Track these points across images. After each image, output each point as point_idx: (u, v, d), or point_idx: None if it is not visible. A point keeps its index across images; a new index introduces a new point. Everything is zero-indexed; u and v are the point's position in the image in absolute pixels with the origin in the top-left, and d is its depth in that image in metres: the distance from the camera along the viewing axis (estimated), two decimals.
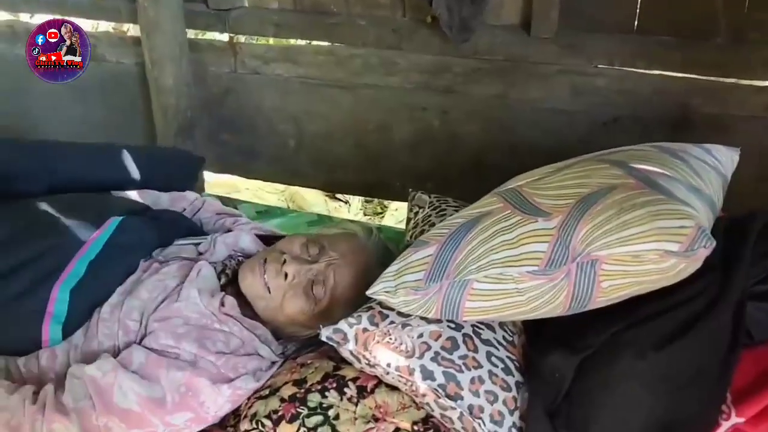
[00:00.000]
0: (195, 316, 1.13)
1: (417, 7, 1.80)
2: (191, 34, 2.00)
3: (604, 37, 1.71)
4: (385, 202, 2.61)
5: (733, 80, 1.66)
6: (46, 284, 1.14)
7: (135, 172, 1.42)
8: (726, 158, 1.21)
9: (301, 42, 1.99)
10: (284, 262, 1.16)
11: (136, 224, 1.29)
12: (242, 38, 2.03)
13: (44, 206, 1.24)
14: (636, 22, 1.70)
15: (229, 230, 1.44)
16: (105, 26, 2.48)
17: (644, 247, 0.87)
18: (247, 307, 1.20)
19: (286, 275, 1.15)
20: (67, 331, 1.13)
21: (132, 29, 2.34)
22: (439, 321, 1.05)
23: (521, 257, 0.96)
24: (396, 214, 2.59)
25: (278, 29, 1.94)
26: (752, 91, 1.65)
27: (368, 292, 1.06)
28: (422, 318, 1.05)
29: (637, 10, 1.69)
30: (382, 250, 1.29)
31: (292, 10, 1.95)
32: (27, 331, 1.12)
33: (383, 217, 2.63)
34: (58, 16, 2.36)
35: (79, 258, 1.18)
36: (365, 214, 2.66)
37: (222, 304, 1.16)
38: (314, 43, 1.99)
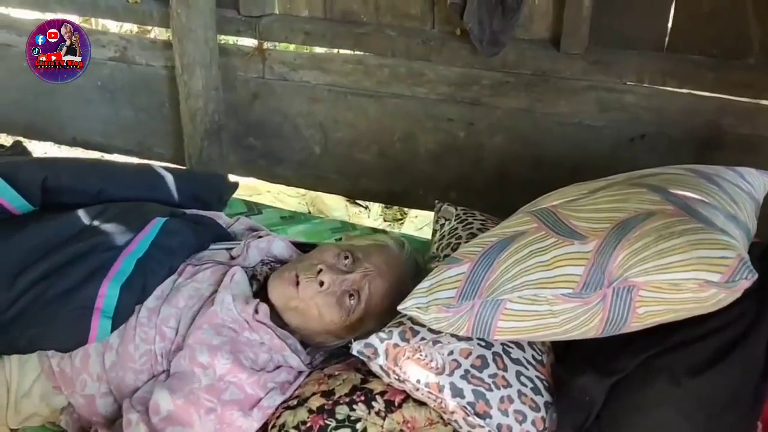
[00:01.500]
0: (228, 321, 1.15)
1: (446, 19, 1.81)
2: (221, 39, 2.02)
3: (635, 54, 1.71)
4: (405, 209, 2.61)
5: (764, 101, 1.65)
6: (95, 281, 1.15)
7: (174, 195, 1.46)
8: (759, 182, 1.21)
9: (330, 50, 2.00)
10: (320, 271, 1.17)
11: (179, 226, 1.31)
12: (271, 44, 2.04)
13: (88, 211, 1.27)
14: (667, 40, 1.70)
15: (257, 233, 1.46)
16: (130, 27, 2.50)
17: (684, 276, 0.87)
18: (277, 316, 1.20)
19: (321, 284, 1.16)
20: (114, 328, 1.15)
21: (160, 32, 2.36)
22: (469, 339, 1.06)
23: (556, 279, 0.96)
24: (416, 221, 2.59)
25: (307, 37, 1.95)
26: None
27: (400, 308, 1.06)
28: (452, 335, 1.05)
29: (669, 28, 1.69)
30: (413, 263, 1.30)
31: (322, 18, 1.96)
32: (75, 326, 1.13)
33: (403, 223, 2.64)
34: (90, 18, 2.41)
35: (126, 255, 1.20)
36: (385, 220, 2.66)
37: (256, 311, 1.18)
38: (343, 51, 2.00)
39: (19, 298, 1.12)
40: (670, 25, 1.68)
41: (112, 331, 1.14)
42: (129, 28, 2.43)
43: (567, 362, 1.09)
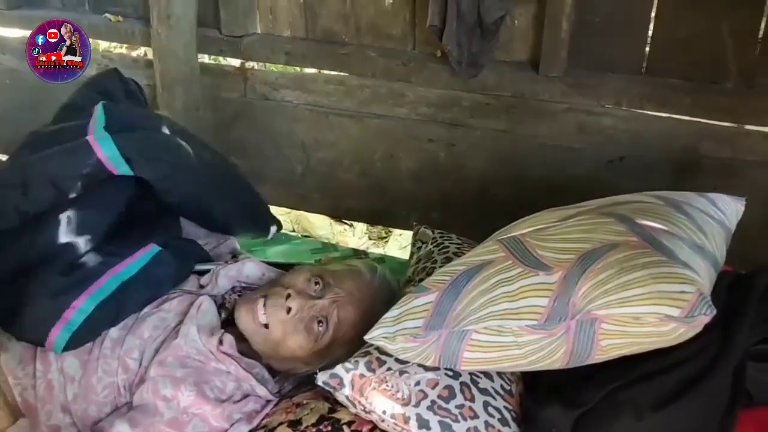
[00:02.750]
0: (194, 353, 1.14)
1: (427, 40, 1.82)
2: (203, 58, 2.02)
3: (613, 77, 1.72)
4: (390, 228, 2.61)
5: (742, 125, 1.66)
6: (74, 290, 1.13)
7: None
8: (731, 209, 1.21)
9: (312, 70, 2.00)
10: (288, 296, 1.15)
11: (169, 259, 1.27)
12: (253, 64, 2.05)
13: None
14: (645, 64, 1.71)
15: (235, 257, 1.44)
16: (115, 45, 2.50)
17: (644, 310, 0.86)
18: (246, 343, 1.19)
19: (288, 309, 1.14)
20: (71, 344, 1.12)
21: (145, 50, 2.36)
22: (436, 368, 1.05)
23: (521, 310, 0.96)
24: (400, 239, 2.59)
25: (289, 57, 1.96)
26: (761, 137, 1.65)
27: (366, 337, 1.05)
28: (420, 365, 1.05)
29: (647, 52, 1.69)
30: (387, 289, 1.28)
31: (304, 38, 1.97)
32: (38, 326, 1.11)
33: (387, 241, 2.63)
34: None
35: (112, 276, 1.18)
36: (370, 238, 2.66)
37: (220, 342, 1.16)
38: (324, 71, 2.00)
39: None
40: (648, 49, 1.69)
41: (66, 348, 1.11)
42: (112, 45, 2.43)
43: (535, 392, 1.08)
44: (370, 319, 1.10)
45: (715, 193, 1.24)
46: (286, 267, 1.40)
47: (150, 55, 2.07)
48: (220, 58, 2.13)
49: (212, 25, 1.99)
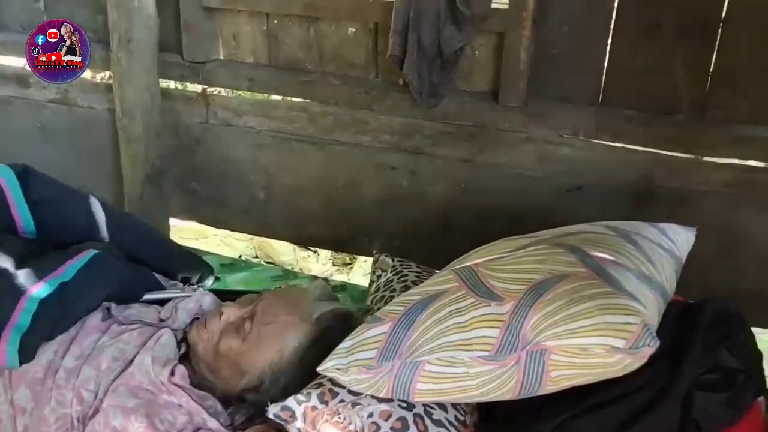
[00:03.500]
0: (146, 383, 1.13)
1: (389, 69, 1.83)
2: (164, 83, 2.01)
3: (570, 108, 1.75)
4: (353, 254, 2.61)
5: (694, 156, 1.70)
6: (13, 296, 1.14)
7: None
8: (681, 239, 1.23)
9: (276, 97, 2.01)
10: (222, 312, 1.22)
11: (110, 259, 1.30)
12: (215, 90, 2.04)
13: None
14: (601, 95, 1.74)
15: (192, 284, 1.44)
16: None
17: (591, 341, 0.87)
18: (201, 376, 1.19)
19: (221, 315, 1.21)
20: (23, 351, 1.11)
21: (105, 74, 2.34)
22: (390, 400, 1.04)
23: (472, 341, 0.96)
24: (365, 266, 2.58)
25: (252, 83, 1.96)
26: (713, 168, 1.69)
27: (319, 369, 1.04)
28: (373, 396, 1.04)
29: (603, 83, 1.73)
30: (320, 290, 1.30)
31: (267, 65, 1.97)
32: None
33: (352, 267, 2.63)
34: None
35: (51, 278, 1.19)
36: (334, 264, 2.65)
37: (172, 373, 1.15)
38: (287, 98, 2.01)
39: None
40: (603, 80, 1.73)
41: (21, 359, 1.10)
42: None
43: (489, 423, 1.08)
44: (297, 312, 1.17)
45: (668, 222, 1.27)
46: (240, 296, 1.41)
47: (109, 80, 2.05)
48: (182, 84, 2.12)
49: (174, 51, 1.98)
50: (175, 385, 1.13)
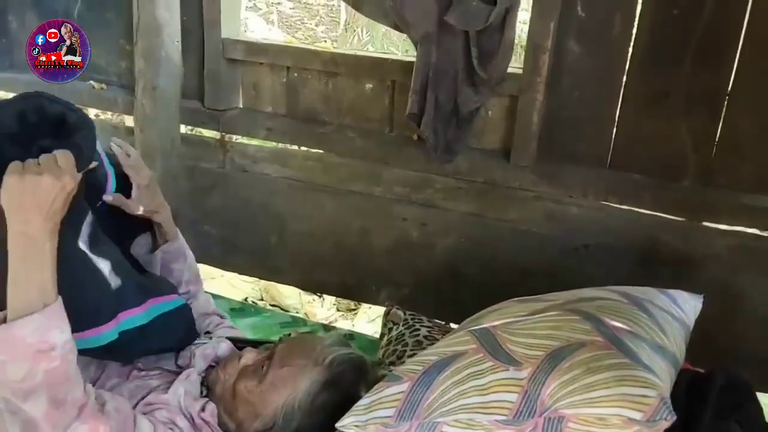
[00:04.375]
0: (176, 411, 1.15)
1: (405, 124, 1.89)
2: (183, 128, 2.06)
3: (580, 169, 1.80)
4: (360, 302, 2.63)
5: (698, 221, 1.74)
6: (128, 302, 1.18)
7: None
8: (690, 307, 1.27)
9: (293, 146, 2.06)
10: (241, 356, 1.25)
11: (189, 316, 1.33)
12: (234, 137, 2.10)
13: None
14: (609, 159, 1.80)
15: (208, 332, 1.46)
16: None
17: (608, 411, 0.90)
18: (225, 417, 1.21)
19: (239, 358, 1.23)
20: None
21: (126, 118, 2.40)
22: None
23: (491, 405, 0.98)
24: (369, 312, 2.61)
25: (270, 133, 2.01)
26: (717, 234, 1.73)
27: (338, 425, 1.07)
28: None
29: (611, 148, 1.79)
30: (335, 338, 1.31)
31: (285, 115, 2.03)
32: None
33: (356, 313, 2.64)
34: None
35: (151, 305, 1.21)
36: (338, 310, 2.67)
37: (203, 409, 1.18)
38: (304, 148, 2.06)
39: None
40: (612, 144, 1.79)
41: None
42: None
43: None
44: (311, 356, 1.18)
45: (673, 285, 1.30)
46: (254, 344, 1.43)
47: (129, 122, 2.11)
48: (201, 129, 2.18)
49: (195, 97, 2.04)
50: (204, 421, 1.15)
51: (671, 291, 1.28)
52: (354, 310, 2.64)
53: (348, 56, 1.94)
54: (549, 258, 1.86)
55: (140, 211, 1.33)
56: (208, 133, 2.17)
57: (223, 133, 2.06)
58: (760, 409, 1.12)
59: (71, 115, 1.03)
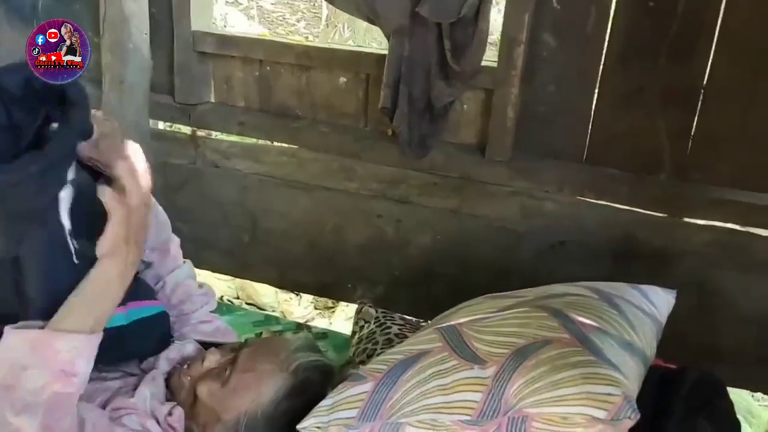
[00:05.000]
0: (145, 415, 1.11)
1: (379, 119, 1.86)
2: (154, 123, 2.01)
3: (556, 164, 1.78)
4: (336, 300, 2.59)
5: (676, 216, 1.73)
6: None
7: None
8: (663, 302, 1.25)
9: (265, 141, 2.02)
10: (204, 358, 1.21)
11: (167, 325, 1.29)
12: (206, 132, 2.06)
13: None
14: (586, 153, 1.78)
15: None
16: None
17: (573, 410, 0.87)
18: (190, 423, 1.17)
19: (203, 360, 1.19)
20: None
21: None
22: None
23: (454, 405, 0.95)
24: (347, 310, 2.57)
25: (242, 128, 1.97)
26: (694, 229, 1.72)
27: (299, 426, 1.03)
28: None
29: (587, 142, 1.77)
30: (303, 341, 1.26)
31: (258, 110, 1.99)
32: None
33: (334, 311, 2.61)
34: None
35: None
36: (316, 308, 2.63)
37: (170, 413, 1.14)
38: (277, 143, 2.02)
39: None
40: (588, 139, 1.77)
41: None
42: None
43: None
44: (276, 361, 1.14)
45: (648, 285, 1.28)
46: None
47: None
48: (172, 125, 2.13)
49: (166, 92, 1.99)
50: (170, 426, 1.11)
51: (643, 286, 1.26)
52: (332, 308, 2.61)
53: (322, 49, 1.91)
54: (526, 255, 1.84)
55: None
56: (179, 128, 2.13)
57: (195, 128, 2.02)
58: (731, 407, 1.10)
59: (71, 88, 1.00)
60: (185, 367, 1.21)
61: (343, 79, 1.89)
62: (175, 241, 1.48)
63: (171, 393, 1.21)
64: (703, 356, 1.73)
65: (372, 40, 4.01)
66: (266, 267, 2.09)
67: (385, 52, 1.74)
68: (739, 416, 1.57)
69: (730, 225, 1.69)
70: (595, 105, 1.72)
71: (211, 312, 1.47)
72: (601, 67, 1.68)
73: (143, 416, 1.08)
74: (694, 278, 1.71)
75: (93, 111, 1.19)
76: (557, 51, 1.70)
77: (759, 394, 2.10)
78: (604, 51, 1.67)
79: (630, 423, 0.85)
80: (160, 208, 1.42)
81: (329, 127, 1.92)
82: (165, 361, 1.27)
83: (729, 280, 1.70)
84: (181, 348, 1.32)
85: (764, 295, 1.68)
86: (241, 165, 2.01)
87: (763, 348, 1.71)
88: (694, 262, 1.72)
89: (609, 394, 0.86)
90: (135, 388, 1.18)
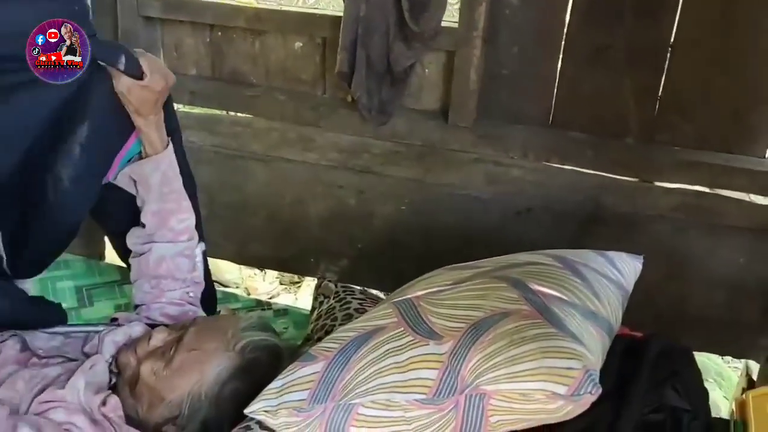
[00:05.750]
0: (75, 408, 1.05)
1: (338, 85, 1.78)
2: None
3: (520, 129, 1.72)
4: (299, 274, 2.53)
5: (642, 180, 1.69)
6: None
7: None
8: (629, 268, 1.21)
9: (218, 111, 1.93)
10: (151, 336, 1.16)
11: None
12: None
13: None
14: (551, 117, 1.72)
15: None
16: None
17: (532, 386, 0.82)
18: (128, 407, 1.11)
19: (149, 339, 1.15)
20: None
21: None
22: None
23: (410, 383, 0.90)
24: (312, 285, 2.51)
25: (194, 97, 1.88)
26: (661, 192, 1.68)
27: (247, 411, 0.98)
28: None
29: (553, 106, 1.71)
30: (254, 320, 1.22)
31: (210, 78, 1.89)
32: None
33: (300, 286, 2.55)
34: None
35: None
36: (281, 284, 2.57)
37: (104, 403, 1.07)
38: (231, 113, 1.93)
39: None
40: (554, 102, 1.71)
41: None
42: None
43: None
44: (222, 339, 1.10)
45: (614, 251, 1.24)
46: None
47: None
48: None
49: None
50: (104, 416, 1.04)
51: (609, 253, 1.21)
52: (298, 283, 2.55)
53: (274, 12, 1.82)
54: (491, 223, 1.79)
55: (124, 87, 1.25)
56: None
57: None
58: (699, 375, 1.07)
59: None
60: (132, 346, 1.16)
61: (298, 44, 1.80)
62: (182, 219, 1.46)
63: (118, 373, 1.16)
64: (673, 322, 1.71)
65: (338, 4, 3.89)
66: (224, 242, 2.01)
67: (341, 13, 1.65)
68: (709, 379, 1.55)
69: (697, 187, 1.65)
70: (560, 67, 1.66)
71: (189, 301, 1.40)
72: (566, 26, 1.62)
73: (72, 410, 1.02)
74: (662, 243, 1.68)
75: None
76: (520, 10, 1.63)
77: (728, 357, 2.11)
78: (569, 9, 1.60)
79: (591, 398, 0.80)
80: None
81: (285, 95, 1.83)
82: (110, 344, 1.22)
83: (697, 243, 1.67)
84: (128, 330, 1.26)
85: (733, 258, 1.65)
86: (194, 137, 1.91)
87: (732, 311, 1.69)
88: (662, 227, 1.68)
89: (569, 368, 0.81)
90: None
